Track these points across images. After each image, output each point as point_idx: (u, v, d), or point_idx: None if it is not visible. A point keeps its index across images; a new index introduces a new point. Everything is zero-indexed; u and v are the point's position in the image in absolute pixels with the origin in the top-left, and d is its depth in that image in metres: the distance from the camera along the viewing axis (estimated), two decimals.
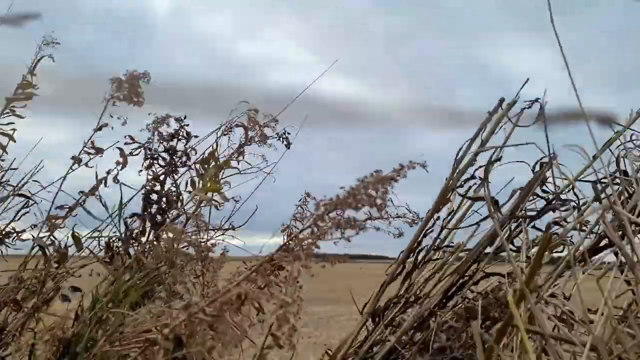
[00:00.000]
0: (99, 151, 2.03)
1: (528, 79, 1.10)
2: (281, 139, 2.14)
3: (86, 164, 1.95)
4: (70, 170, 1.92)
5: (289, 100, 2.02)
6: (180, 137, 2.25)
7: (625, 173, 1.12)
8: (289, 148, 2.12)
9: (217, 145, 2.10)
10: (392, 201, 1.50)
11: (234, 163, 1.84)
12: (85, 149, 1.96)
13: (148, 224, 2.05)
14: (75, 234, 1.90)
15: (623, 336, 0.71)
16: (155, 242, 1.74)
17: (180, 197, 1.89)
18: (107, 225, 1.99)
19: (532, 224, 1.07)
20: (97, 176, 1.99)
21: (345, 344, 1.07)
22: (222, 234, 1.97)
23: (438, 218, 1.13)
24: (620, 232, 0.92)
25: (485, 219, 1.07)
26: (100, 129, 2.04)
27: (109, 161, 2.03)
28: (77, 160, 1.95)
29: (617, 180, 1.10)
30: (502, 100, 1.12)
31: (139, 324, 1.30)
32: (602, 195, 1.07)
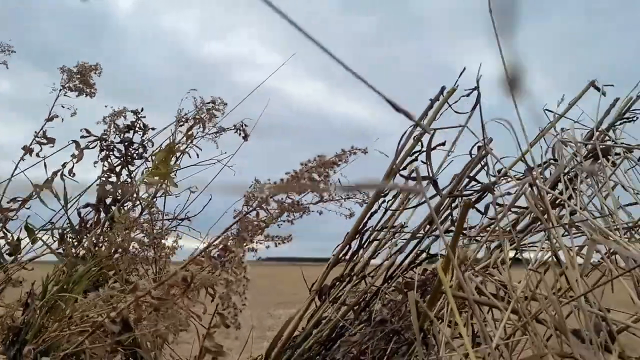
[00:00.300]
0: (51, 141, 2.01)
1: (465, 68, 1.16)
2: (238, 131, 2.17)
3: (37, 154, 1.93)
4: (21, 160, 1.90)
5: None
6: (136, 129, 2.24)
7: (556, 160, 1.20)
8: (246, 140, 2.15)
9: (173, 137, 2.11)
10: (340, 182, 1.56)
11: (185, 149, 1.86)
12: (37, 139, 1.95)
13: (102, 215, 2.04)
14: (29, 225, 1.88)
15: (540, 298, 0.78)
16: (109, 232, 1.74)
17: (136, 188, 1.90)
18: (61, 217, 1.98)
19: (472, 205, 1.13)
20: (45, 166, 1.98)
21: (292, 320, 1.11)
22: (178, 224, 1.99)
23: (384, 201, 1.18)
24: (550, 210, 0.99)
25: (422, 203, 1.12)
26: (51, 119, 2.03)
27: (65, 155, 2.02)
28: (27, 150, 1.93)
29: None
30: (443, 89, 1.18)
31: (88, 309, 1.30)
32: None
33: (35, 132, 1.94)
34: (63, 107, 1.99)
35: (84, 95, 2.05)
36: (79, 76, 2.01)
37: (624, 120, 1.20)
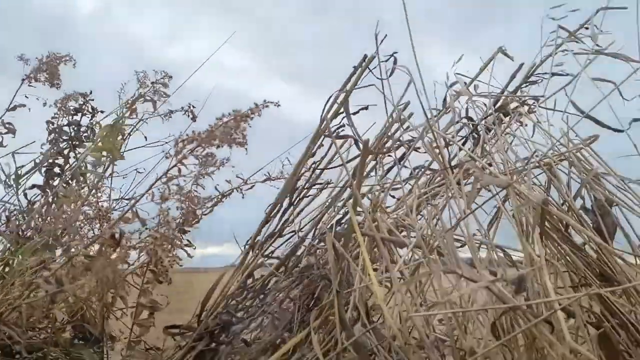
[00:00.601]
0: (11, 131, 2.05)
1: (386, 35, 1.25)
2: (187, 113, 2.22)
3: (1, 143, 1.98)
4: None
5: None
6: (85, 112, 2.26)
7: (471, 119, 1.31)
8: (194, 121, 2.19)
9: (117, 114, 2.14)
10: (289, 161, 1.63)
11: (129, 122, 1.90)
12: None
13: (50, 197, 2.06)
14: None
15: (437, 231, 0.87)
16: (55, 205, 1.77)
17: (82, 163, 1.93)
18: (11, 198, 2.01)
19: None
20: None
21: (226, 273, 1.18)
22: (126, 204, 2.03)
23: (314, 162, 1.27)
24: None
25: (341, 165, 1.21)
26: (14, 109, 2.06)
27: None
28: None
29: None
30: (365, 57, 1.26)
31: (28, 273, 1.34)
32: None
33: None
34: (27, 97, 2.02)
35: (51, 86, 2.08)
36: (45, 67, 2.04)
37: (529, 83, 1.32)
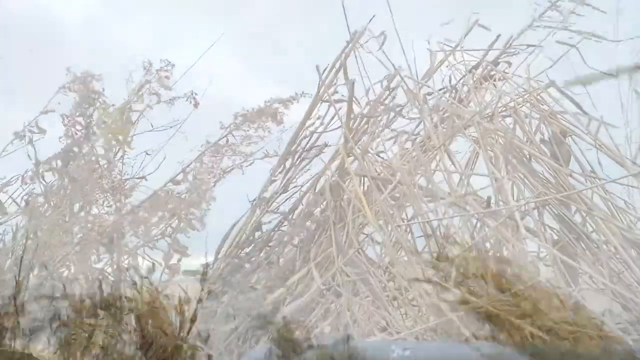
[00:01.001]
0: (42, 131, 2.24)
1: (374, 15, 1.40)
2: (189, 99, 2.37)
3: (30, 142, 2.17)
4: (10, 145, 2.14)
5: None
6: (96, 105, 2.43)
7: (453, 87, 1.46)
8: (197, 107, 2.34)
9: (130, 105, 2.29)
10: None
11: (138, 107, 2.06)
12: (28, 128, 2.19)
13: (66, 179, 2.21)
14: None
15: (416, 166, 1.01)
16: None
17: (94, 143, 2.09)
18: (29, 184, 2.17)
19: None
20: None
21: (236, 225, 1.32)
22: (138, 184, 2.19)
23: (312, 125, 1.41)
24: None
25: (339, 127, 1.35)
26: (46, 112, 2.27)
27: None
28: (19, 136, 2.16)
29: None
30: (355, 32, 1.41)
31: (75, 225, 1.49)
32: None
33: (29, 122, 2.20)
34: (59, 103, 2.23)
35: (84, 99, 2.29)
36: (80, 78, 2.25)
37: (507, 53, 1.48)
